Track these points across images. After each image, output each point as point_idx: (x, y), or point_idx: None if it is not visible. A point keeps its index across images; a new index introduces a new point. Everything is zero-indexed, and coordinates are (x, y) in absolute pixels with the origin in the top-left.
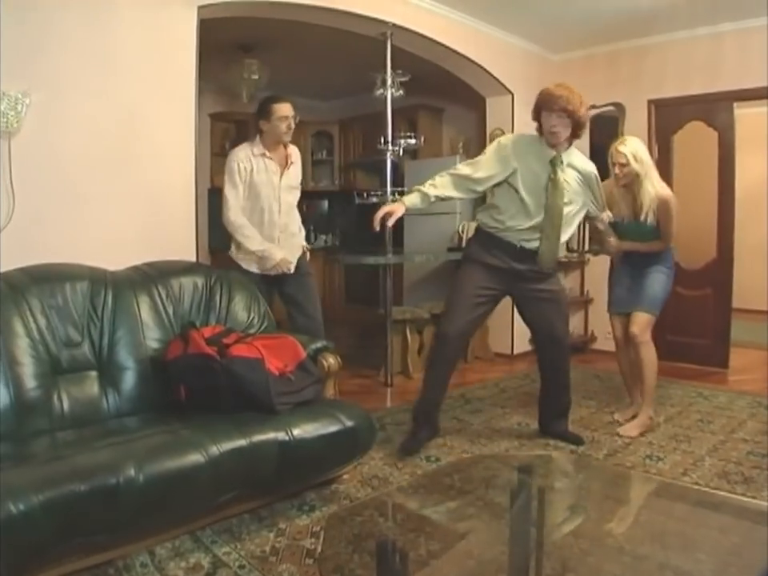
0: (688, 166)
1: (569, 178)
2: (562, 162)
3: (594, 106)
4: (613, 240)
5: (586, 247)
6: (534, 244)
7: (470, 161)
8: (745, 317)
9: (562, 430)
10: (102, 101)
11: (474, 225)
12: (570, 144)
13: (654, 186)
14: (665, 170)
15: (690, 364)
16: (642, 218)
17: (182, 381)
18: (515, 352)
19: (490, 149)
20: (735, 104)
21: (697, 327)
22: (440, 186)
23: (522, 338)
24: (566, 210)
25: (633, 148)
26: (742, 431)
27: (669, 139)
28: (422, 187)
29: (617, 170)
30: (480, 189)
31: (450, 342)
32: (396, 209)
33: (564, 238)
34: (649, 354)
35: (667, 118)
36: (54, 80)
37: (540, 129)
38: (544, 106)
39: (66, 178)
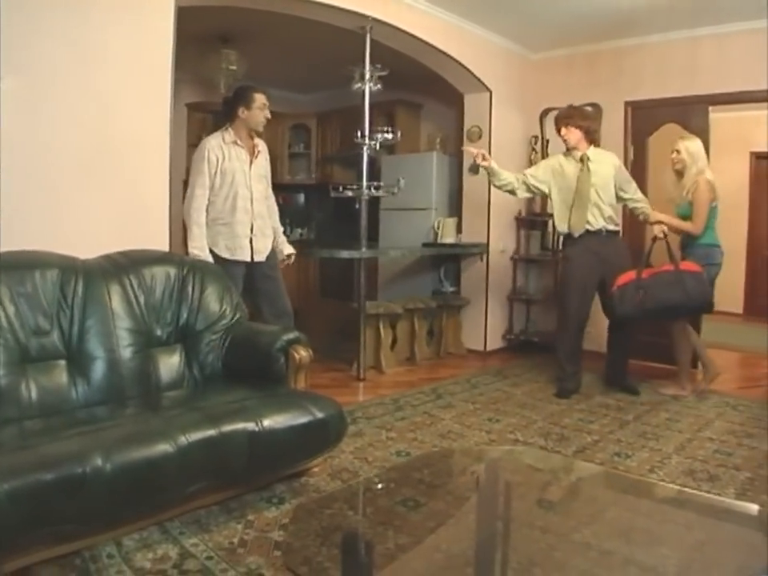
0: (662, 168)
1: (594, 167)
2: (588, 158)
3: (571, 106)
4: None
5: (560, 246)
6: None
7: None
8: (720, 319)
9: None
10: (77, 89)
11: (450, 220)
12: (590, 145)
13: (697, 174)
14: (639, 171)
15: (661, 364)
16: (684, 197)
17: None
18: (488, 348)
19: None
20: (711, 108)
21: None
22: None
23: (494, 335)
24: (595, 187)
25: (687, 143)
26: (709, 430)
27: (644, 141)
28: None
29: (672, 155)
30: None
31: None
32: (489, 159)
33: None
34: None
35: (643, 119)
36: (29, 68)
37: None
38: (556, 125)
39: (39, 166)
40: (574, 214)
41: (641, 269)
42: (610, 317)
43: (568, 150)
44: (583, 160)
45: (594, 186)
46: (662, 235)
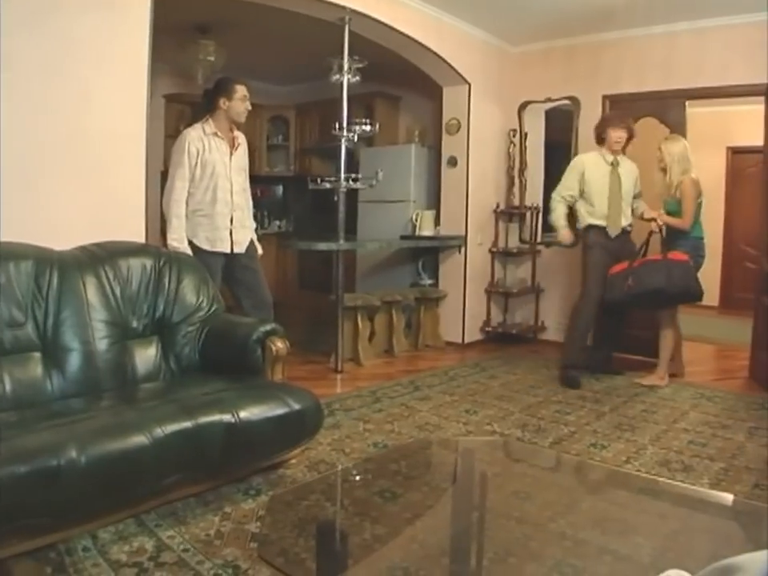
0: (639, 162)
1: (622, 172)
2: (618, 164)
3: (549, 99)
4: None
5: (539, 239)
6: None
7: None
8: (696, 312)
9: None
10: (51, 78)
11: (428, 213)
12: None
13: (682, 174)
14: None
15: (637, 356)
16: (671, 194)
17: None
18: (466, 341)
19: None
20: (688, 102)
21: (645, 320)
22: None
23: (473, 327)
24: (624, 191)
25: (668, 145)
26: (684, 421)
27: None
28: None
29: (657, 155)
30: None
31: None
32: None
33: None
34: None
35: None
36: (1, 56)
37: (602, 142)
38: (610, 124)
39: (12, 157)
40: (610, 217)
41: (633, 259)
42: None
43: (611, 150)
44: (614, 165)
45: (623, 190)
46: (657, 229)
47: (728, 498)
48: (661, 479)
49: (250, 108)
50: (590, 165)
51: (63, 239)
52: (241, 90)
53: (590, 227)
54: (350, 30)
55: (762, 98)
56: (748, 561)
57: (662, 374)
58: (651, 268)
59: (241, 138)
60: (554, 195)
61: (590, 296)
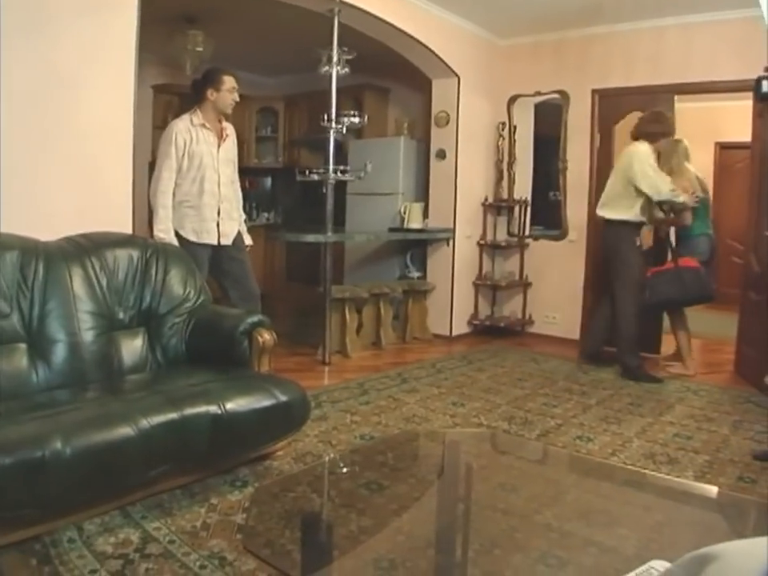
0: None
1: None
2: None
3: (538, 93)
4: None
5: (527, 232)
6: None
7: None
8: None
9: None
10: (37, 67)
11: (416, 205)
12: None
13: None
14: (605, 159)
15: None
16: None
17: None
18: (454, 333)
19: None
20: (677, 98)
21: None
22: None
23: (460, 320)
24: None
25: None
26: (670, 414)
27: (610, 129)
28: None
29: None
30: None
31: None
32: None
33: None
34: None
35: (610, 107)
36: None
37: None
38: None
39: None
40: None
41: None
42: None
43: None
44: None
45: None
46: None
47: (712, 490)
48: (646, 471)
49: (237, 100)
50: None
51: (49, 230)
52: (229, 82)
53: (640, 225)
54: (339, 22)
55: (751, 94)
56: (726, 549)
57: (688, 364)
58: (664, 279)
59: (229, 130)
60: (670, 186)
61: (637, 282)
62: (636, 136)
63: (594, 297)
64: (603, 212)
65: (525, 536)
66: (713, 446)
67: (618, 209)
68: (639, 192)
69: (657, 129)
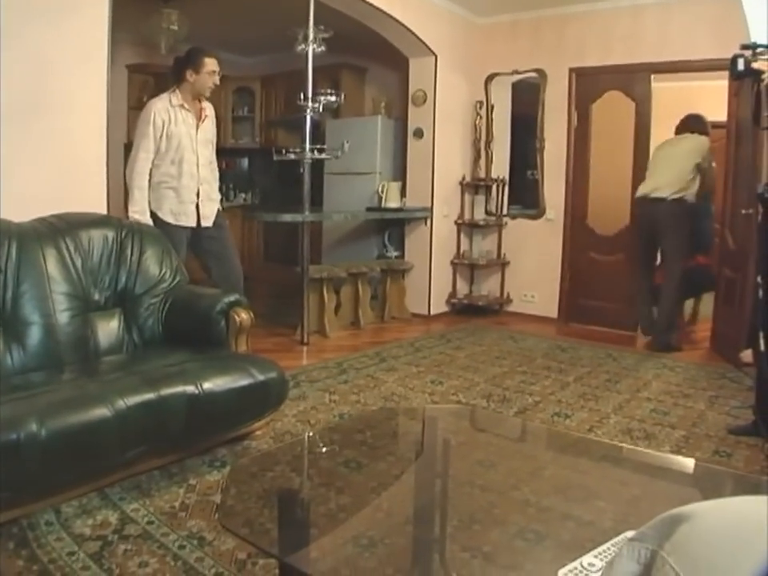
0: (605, 135)
1: None
2: None
3: (516, 72)
4: None
5: (504, 211)
6: None
7: None
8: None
9: None
10: (6, 46)
11: (394, 185)
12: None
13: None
14: (582, 138)
15: (601, 327)
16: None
17: None
18: (432, 312)
19: None
20: (654, 77)
21: (609, 291)
22: None
23: (439, 299)
24: None
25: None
26: (647, 391)
27: (588, 108)
28: None
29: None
30: None
31: None
32: None
33: None
34: None
35: (587, 86)
36: None
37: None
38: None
39: None
40: None
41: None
42: None
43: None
44: None
45: None
46: None
47: (689, 463)
48: (623, 445)
49: (217, 83)
50: None
51: (21, 211)
52: (210, 64)
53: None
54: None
55: (727, 73)
56: (697, 509)
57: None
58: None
59: (209, 110)
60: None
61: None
62: (702, 131)
63: (573, 273)
64: (662, 193)
65: (503, 511)
66: (689, 421)
67: (685, 189)
68: (698, 176)
69: (707, 129)
